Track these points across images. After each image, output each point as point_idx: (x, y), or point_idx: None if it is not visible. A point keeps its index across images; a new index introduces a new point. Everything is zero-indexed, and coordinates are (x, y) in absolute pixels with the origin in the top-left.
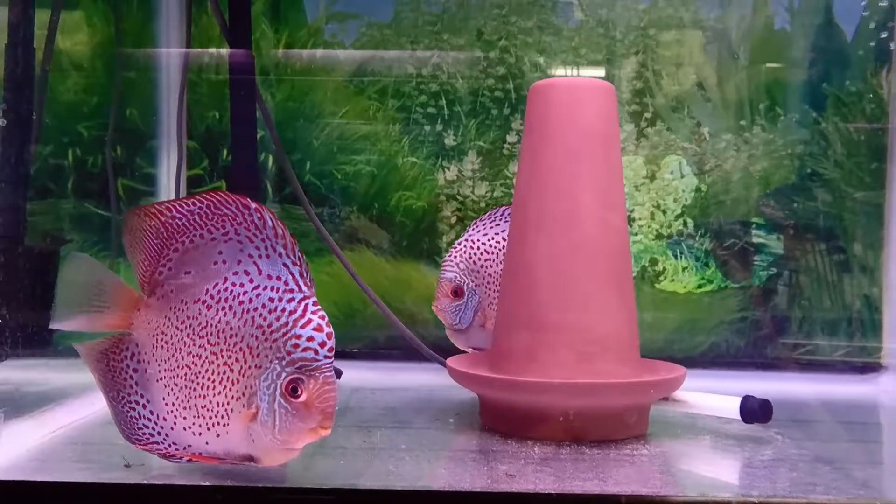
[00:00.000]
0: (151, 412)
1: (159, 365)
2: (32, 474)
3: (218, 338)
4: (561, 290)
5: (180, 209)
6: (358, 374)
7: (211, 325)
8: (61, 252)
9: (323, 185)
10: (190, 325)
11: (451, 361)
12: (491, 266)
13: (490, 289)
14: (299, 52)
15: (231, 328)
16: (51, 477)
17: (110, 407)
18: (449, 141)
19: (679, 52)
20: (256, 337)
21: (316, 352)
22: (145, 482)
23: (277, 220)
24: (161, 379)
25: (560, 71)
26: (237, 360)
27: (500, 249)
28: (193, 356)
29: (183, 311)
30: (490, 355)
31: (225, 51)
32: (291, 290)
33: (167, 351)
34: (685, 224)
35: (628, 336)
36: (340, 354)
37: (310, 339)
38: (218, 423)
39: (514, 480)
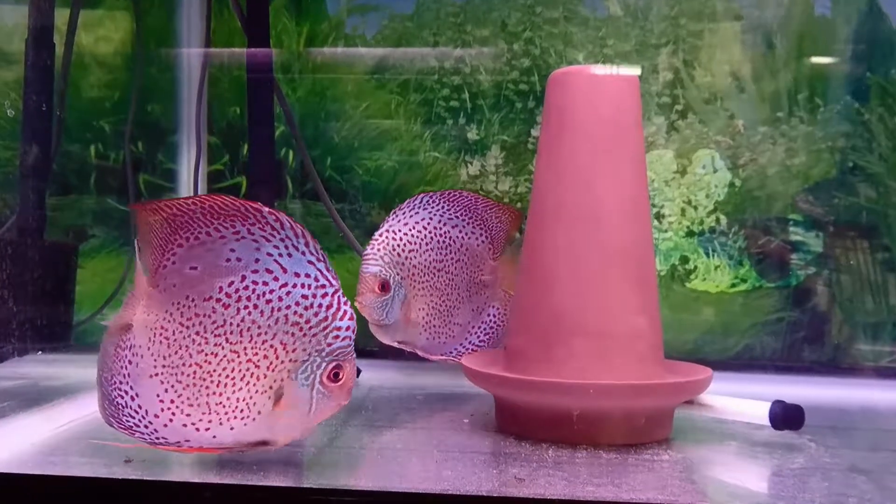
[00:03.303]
0: (140, 406)
1: (155, 360)
2: (35, 468)
3: (241, 336)
4: (579, 287)
5: (181, 207)
6: (377, 374)
7: (230, 324)
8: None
9: (344, 180)
10: (200, 323)
11: (465, 360)
12: (415, 257)
13: (415, 280)
14: (320, 48)
15: (258, 326)
16: (51, 471)
17: (99, 386)
18: (472, 135)
19: (712, 41)
20: (292, 334)
21: (350, 339)
22: (132, 478)
23: (294, 221)
24: (156, 375)
25: (587, 63)
26: (265, 356)
27: (422, 239)
28: (206, 354)
29: (189, 307)
30: (505, 354)
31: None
32: (323, 286)
33: (167, 347)
34: (718, 220)
35: (650, 335)
36: (360, 353)
37: (347, 328)
38: (235, 417)
39: (524, 485)
